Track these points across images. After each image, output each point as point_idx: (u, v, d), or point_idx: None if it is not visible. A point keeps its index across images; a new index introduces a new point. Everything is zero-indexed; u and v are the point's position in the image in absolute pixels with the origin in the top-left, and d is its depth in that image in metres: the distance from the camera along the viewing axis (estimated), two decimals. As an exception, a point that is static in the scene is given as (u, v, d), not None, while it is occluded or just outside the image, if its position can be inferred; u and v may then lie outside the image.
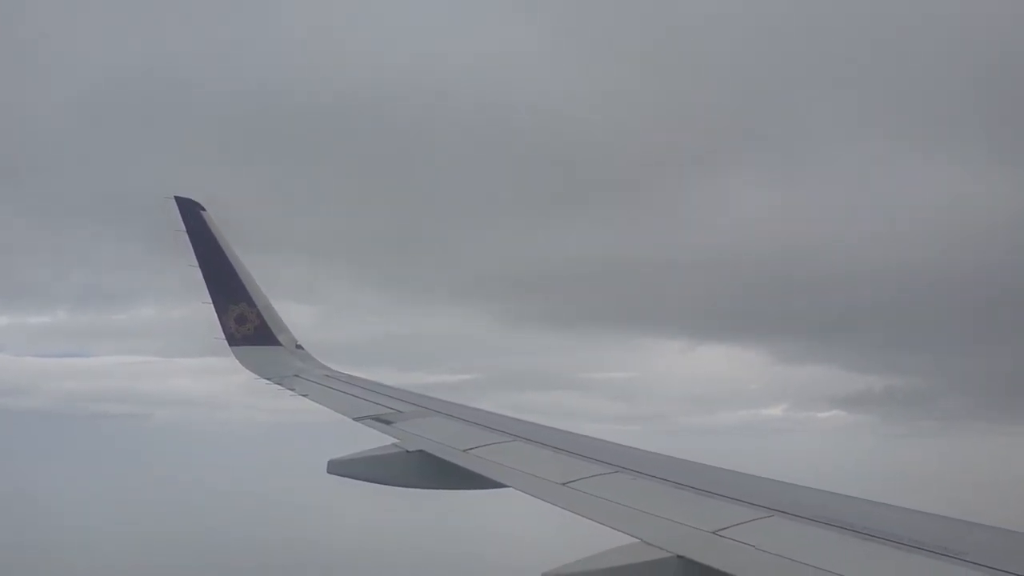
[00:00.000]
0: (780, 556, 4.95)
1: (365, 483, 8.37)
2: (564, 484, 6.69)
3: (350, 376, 12.73)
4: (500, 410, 9.84)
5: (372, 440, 8.96)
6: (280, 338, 13.75)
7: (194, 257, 13.31)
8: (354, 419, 9.82)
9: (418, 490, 8.37)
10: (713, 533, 5.35)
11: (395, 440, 8.66)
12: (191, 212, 13.35)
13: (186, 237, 13.32)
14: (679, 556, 5.08)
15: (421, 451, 8.19)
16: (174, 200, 13.38)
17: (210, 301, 13.52)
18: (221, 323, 13.50)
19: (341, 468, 8.33)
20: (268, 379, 12.48)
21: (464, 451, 7.95)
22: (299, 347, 13.91)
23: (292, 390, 11.77)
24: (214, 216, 13.55)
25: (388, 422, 9.45)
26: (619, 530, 5.60)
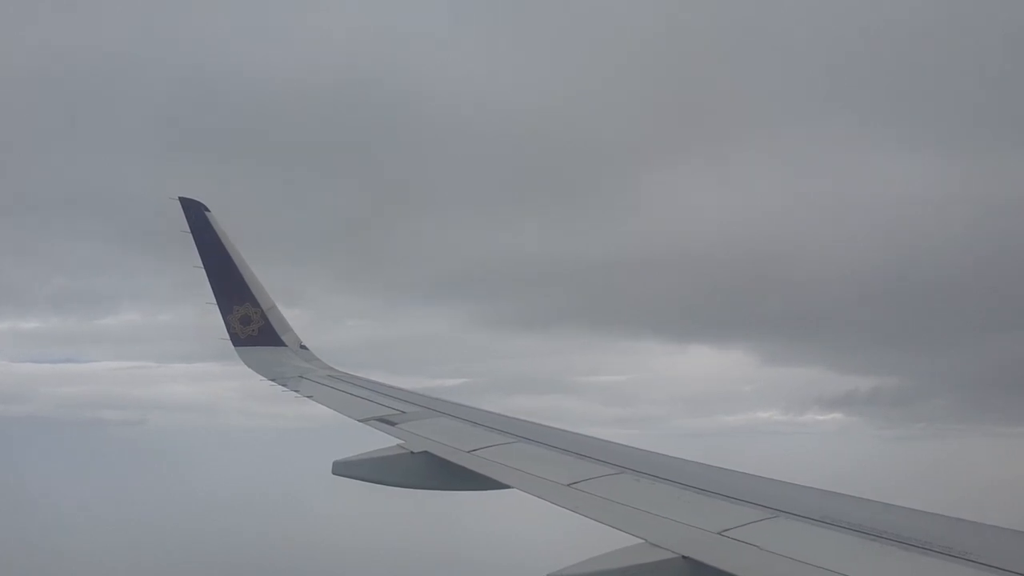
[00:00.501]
0: (785, 557, 4.95)
1: (370, 484, 8.38)
2: (569, 485, 6.69)
3: (354, 376, 12.74)
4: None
5: (376, 441, 8.96)
6: (284, 338, 13.78)
7: (198, 257, 13.34)
8: (358, 420, 9.82)
9: (423, 491, 8.38)
10: (718, 534, 5.35)
11: (400, 441, 8.67)
12: (195, 213, 13.37)
13: (190, 237, 13.37)
14: (684, 557, 5.08)
15: (426, 452, 8.20)
16: (178, 201, 13.41)
17: (214, 302, 13.55)
18: (226, 324, 13.53)
19: (346, 469, 8.33)
20: (272, 380, 12.49)
21: (469, 452, 7.96)
22: (303, 347, 13.93)
23: (297, 391, 11.78)
24: (218, 216, 13.60)
25: (392, 423, 9.45)
26: (624, 531, 5.61)
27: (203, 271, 13.31)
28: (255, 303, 13.59)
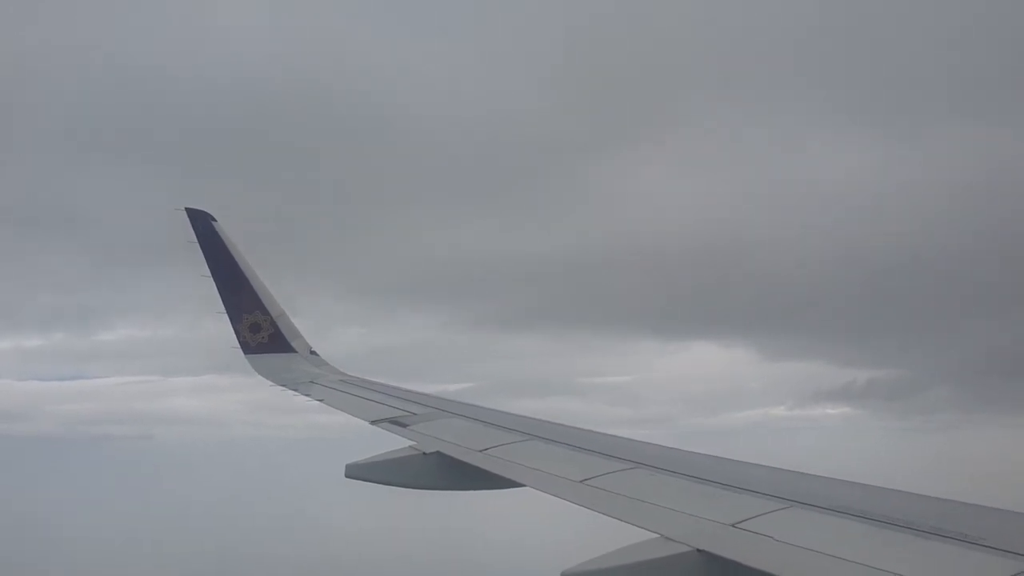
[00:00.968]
0: (799, 547, 4.96)
1: (383, 486, 8.42)
2: (582, 482, 6.70)
3: (365, 380, 12.79)
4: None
5: (386, 445, 9.00)
6: (294, 344, 13.84)
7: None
8: (371, 423, 9.86)
9: (436, 492, 8.41)
10: (732, 526, 5.36)
11: (412, 442, 8.70)
12: (202, 223, 13.45)
13: (198, 247, 13.44)
14: (699, 550, 5.09)
15: (438, 452, 8.22)
16: (184, 211, 13.48)
17: (223, 311, 13.63)
18: (236, 332, 13.60)
19: (359, 472, 8.37)
20: (284, 386, 12.55)
21: (481, 451, 7.98)
22: (313, 353, 13.99)
23: (308, 396, 11.83)
24: (225, 226, 13.67)
25: (404, 425, 9.49)
26: (638, 526, 5.62)
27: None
28: (264, 311, 13.66)
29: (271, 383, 12.82)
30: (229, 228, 13.58)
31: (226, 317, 13.58)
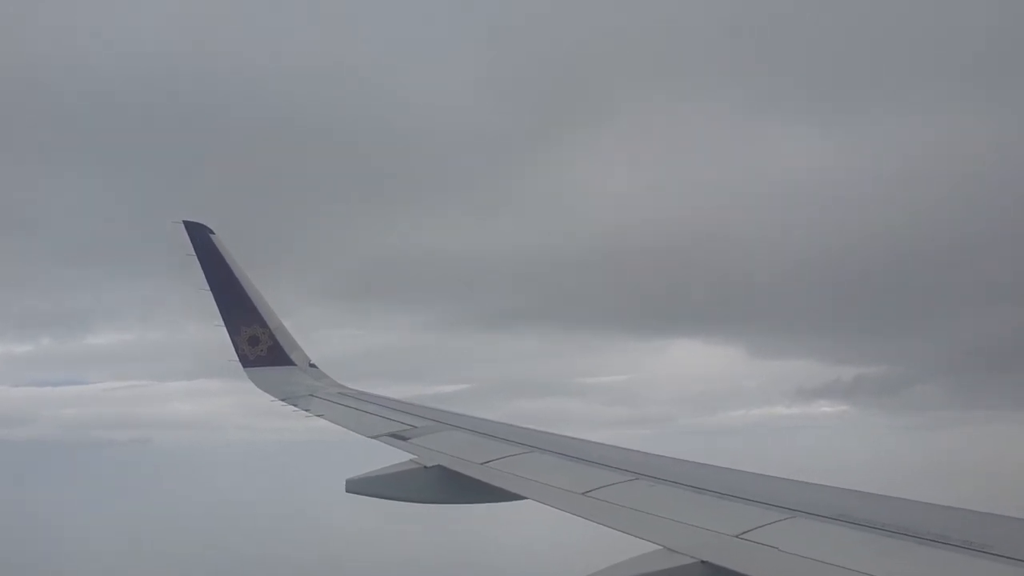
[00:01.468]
0: (804, 557, 4.93)
1: (383, 500, 8.38)
2: (584, 494, 6.67)
3: (364, 393, 12.76)
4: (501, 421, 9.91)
5: (382, 451, 8.97)
6: (293, 357, 13.81)
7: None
8: (370, 437, 9.83)
9: (437, 505, 8.37)
10: (736, 537, 5.33)
11: (412, 456, 8.66)
12: (200, 236, 13.45)
13: (196, 261, 13.44)
14: (703, 561, 5.06)
15: (439, 466, 8.19)
16: (182, 224, 13.49)
17: (222, 323, 13.61)
18: (234, 345, 13.58)
19: (360, 487, 8.33)
20: (283, 399, 12.52)
21: (482, 464, 7.94)
22: (312, 365, 13.96)
23: (307, 410, 11.80)
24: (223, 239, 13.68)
25: (404, 438, 9.46)
26: (641, 538, 5.59)
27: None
28: (263, 323, 13.64)
29: (271, 398, 12.78)
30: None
31: (216, 323, 13.56)
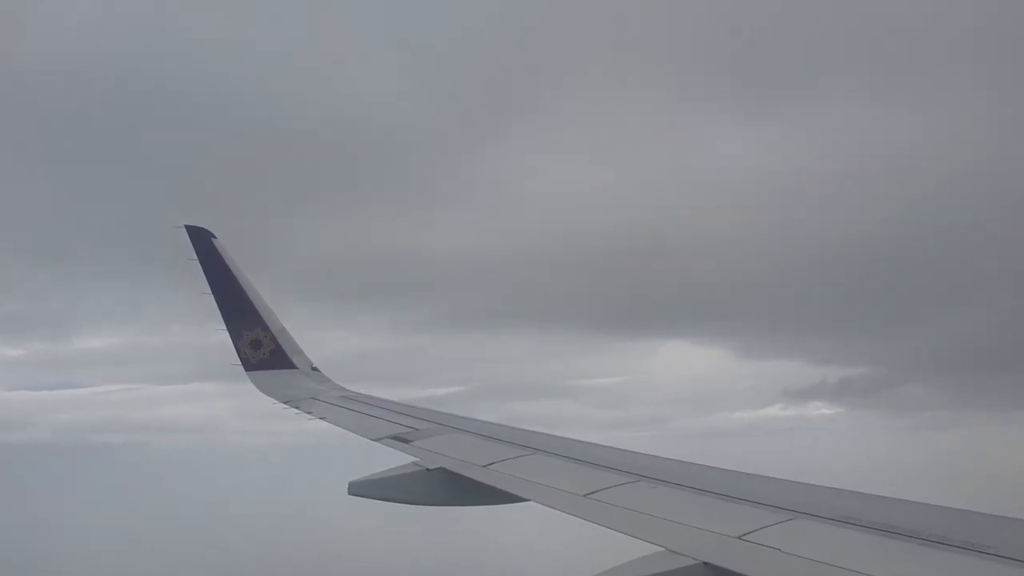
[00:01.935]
0: (806, 558, 4.94)
1: (385, 503, 8.39)
2: (586, 496, 6.68)
3: (366, 396, 12.77)
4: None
5: (384, 457, 8.98)
6: (295, 361, 13.83)
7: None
8: (373, 440, 9.84)
9: (440, 507, 8.38)
10: (738, 538, 5.34)
11: (415, 459, 8.67)
12: (202, 240, 13.48)
13: (198, 265, 13.46)
14: (705, 563, 5.06)
15: (441, 468, 8.20)
16: (184, 229, 13.51)
17: (223, 327, 13.63)
18: (236, 348, 13.60)
19: (362, 489, 8.34)
20: (286, 403, 12.53)
21: (484, 467, 7.95)
22: (315, 369, 13.98)
23: (310, 413, 11.81)
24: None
25: (407, 441, 9.47)
26: (643, 539, 5.59)
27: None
28: (265, 327, 13.66)
29: (273, 401, 12.80)
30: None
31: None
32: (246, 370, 13.57)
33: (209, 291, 13.51)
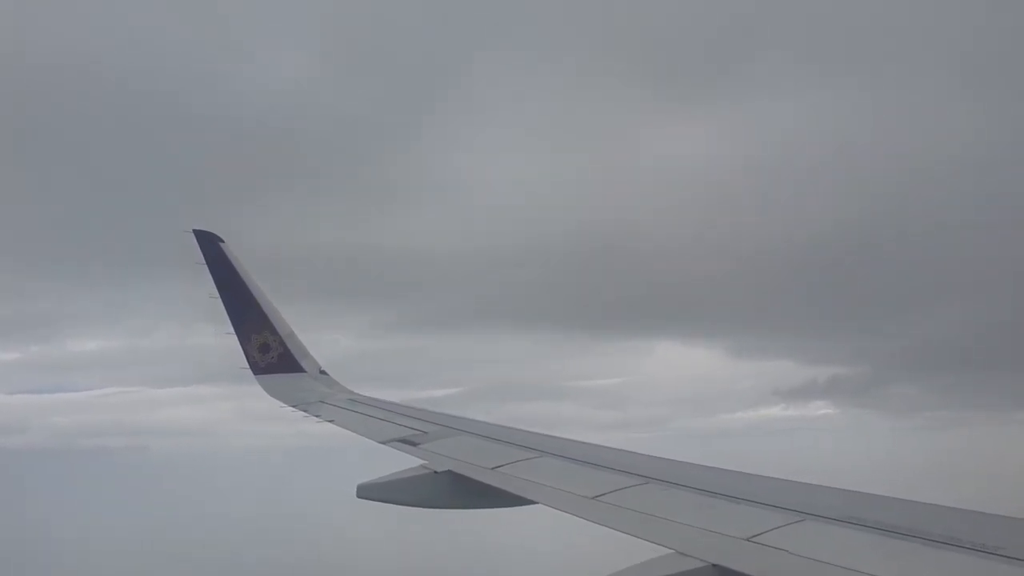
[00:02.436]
0: (815, 560, 4.93)
1: (391, 505, 8.40)
2: (594, 498, 6.68)
3: (374, 399, 12.80)
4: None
5: (390, 460, 9.00)
6: (304, 364, 13.86)
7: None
8: (381, 443, 9.86)
9: (448, 510, 8.39)
10: (747, 540, 5.34)
11: (423, 461, 8.69)
12: (210, 244, 13.53)
13: (206, 269, 13.51)
14: (714, 565, 5.06)
15: (449, 471, 8.21)
16: (192, 233, 13.57)
17: (231, 331, 13.67)
18: (244, 352, 13.64)
19: (370, 492, 8.36)
20: (294, 406, 12.57)
21: (492, 469, 7.96)
22: (323, 372, 14.01)
23: (318, 416, 11.85)
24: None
25: (414, 443, 9.49)
26: (652, 542, 5.60)
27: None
28: (273, 331, 13.70)
29: (281, 404, 12.83)
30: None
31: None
32: (254, 374, 13.61)
33: (213, 294, 13.55)
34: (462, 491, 8.07)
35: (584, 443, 8.77)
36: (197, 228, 13.62)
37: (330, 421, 11.51)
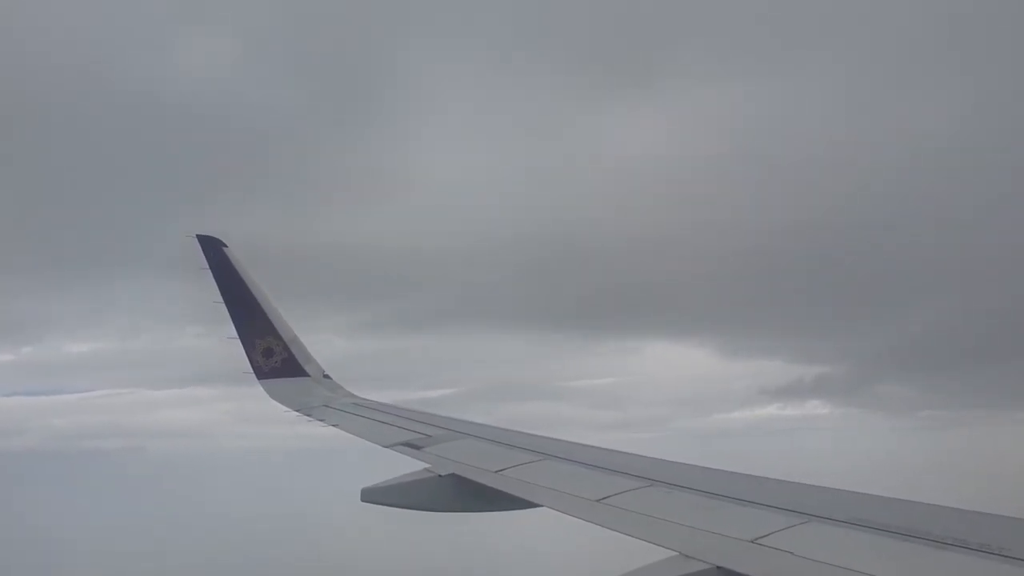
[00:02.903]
0: (820, 562, 4.93)
1: (397, 509, 8.41)
2: (598, 501, 6.68)
3: (377, 403, 12.82)
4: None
5: (390, 462, 9.01)
6: (307, 369, 13.88)
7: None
8: (385, 446, 9.88)
9: (452, 514, 8.39)
10: (751, 542, 5.33)
11: (427, 465, 8.70)
12: (214, 249, 13.55)
13: (210, 274, 13.54)
14: (719, 567, 5.06)
15: (453, 474, 8.22)
16: (196, 238, 13.60)
17: (235, 336, 13.69)
18: (248, 357, 13.66)
19: (375, 496, 8.37)
20: (298, 410, 12.58)
21: (496, 472, 7.97)
22: (327, 376, 14.02)
23: (322, 420, 11.86)
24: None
25: (418, 447, 9.50)
26: (656, 544, 5.60)
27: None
28: (277, 336, 13.72)
29: (286, 408, 12.85)
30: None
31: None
32: (258, 378, 13.63)
33: (217, 299, 13.58)
34: (466, 494, 8.08)
35: (587, 446, 8.76)
36: (200, 233, 13.66)
37: (334, 425, 11.53)
